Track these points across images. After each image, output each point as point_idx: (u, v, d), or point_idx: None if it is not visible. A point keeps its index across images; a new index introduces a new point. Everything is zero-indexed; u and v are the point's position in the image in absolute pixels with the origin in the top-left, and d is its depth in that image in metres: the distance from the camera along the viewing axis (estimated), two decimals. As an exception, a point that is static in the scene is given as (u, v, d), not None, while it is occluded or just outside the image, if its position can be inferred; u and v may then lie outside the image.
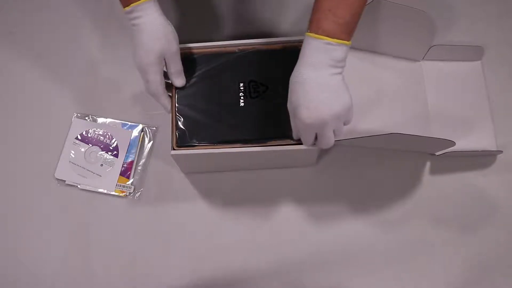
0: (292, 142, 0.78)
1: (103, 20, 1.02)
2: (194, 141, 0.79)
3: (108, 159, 0.92)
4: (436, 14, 0.83)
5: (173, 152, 0.79)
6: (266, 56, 0.83)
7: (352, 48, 0.71)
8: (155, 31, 0.75)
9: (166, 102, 0.80)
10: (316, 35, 0.67)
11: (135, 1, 0.73)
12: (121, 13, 0.75)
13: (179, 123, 0.80)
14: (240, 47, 0.84)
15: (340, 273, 0.85)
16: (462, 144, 0.87)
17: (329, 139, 0.72)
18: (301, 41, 0.82)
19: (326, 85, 0.68)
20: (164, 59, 0.77)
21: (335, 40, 0.66)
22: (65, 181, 0.91)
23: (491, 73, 0.95)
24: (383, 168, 0.91)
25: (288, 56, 0.82)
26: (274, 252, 0.87)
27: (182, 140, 0.79)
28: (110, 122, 0.94)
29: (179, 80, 0.80)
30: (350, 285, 0.85)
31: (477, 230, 0.87)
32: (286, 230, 0.88)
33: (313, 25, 0.67)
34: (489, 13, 1.01)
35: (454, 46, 0.93)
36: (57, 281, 0.86)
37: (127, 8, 0.74)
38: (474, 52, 0.94)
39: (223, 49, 0.84)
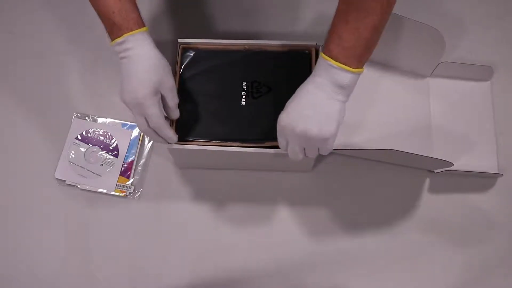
0: None
1: (103, 20, 1.02)
2: (192, 136, 0.79)
3: (108, 159, 0.92)
4: (446, 29, 0.82)
5: (169, 146, 0.79)
6: (272, 57, 0.83)
7: None
8: (151, 62, 0.70)
9: (171, 133, 0.75)
10: (323, 55, 0.66)
11: (128, 31, 0.69)
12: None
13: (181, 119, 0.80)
14: (246, 46, 0.84)
15: (340, 273, 0.85)
16: (463, 163, 0.87)
17: (294, 153, 0.72)
18: (307, 46, 0.83)
19: (318, 105, 0.67)
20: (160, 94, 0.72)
21: (338, 63, 0.65)
22: (65, 181, 0.91)
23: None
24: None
25: (293, 60, 0.82)
26: (274, 252, 0.87)
27: (180, 135, 0.79)
28: (110, 122, 0.94)
29: (175, 113, 0.76)
30: (350, 285, 0.85)
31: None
32: (286, 230, 0.88)
33: (324, 45, 0.67)
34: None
35: (463, 64, 0.91)
36: (57, 281, 0.86)
37: (119, 39, 0.69)
38: (483, 72, 0.92)
39: (230, 46, 0.84)
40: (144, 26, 0.71)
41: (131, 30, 0.69)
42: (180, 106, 0.77)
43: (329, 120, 0.68)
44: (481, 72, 0.92)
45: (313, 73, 0.69)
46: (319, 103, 0.67)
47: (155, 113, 0.71)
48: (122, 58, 0.71)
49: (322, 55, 0.67)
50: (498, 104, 0.93)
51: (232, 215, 0.89)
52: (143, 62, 0.70)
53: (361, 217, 0.88)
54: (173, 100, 0.74)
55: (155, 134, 0.74)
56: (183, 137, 0.79)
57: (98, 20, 1.00)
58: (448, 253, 0.86)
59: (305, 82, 0.69)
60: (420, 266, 0.86)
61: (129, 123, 0.94)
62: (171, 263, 0.87)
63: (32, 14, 1.03)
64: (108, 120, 0.95)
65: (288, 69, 0.81)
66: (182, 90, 0.81)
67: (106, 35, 0.99)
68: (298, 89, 0.70)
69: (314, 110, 0.67)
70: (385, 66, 0.92)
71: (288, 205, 0.89)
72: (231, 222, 0.89)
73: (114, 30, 0.69)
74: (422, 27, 0.81)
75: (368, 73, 0.66)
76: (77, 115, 0.95)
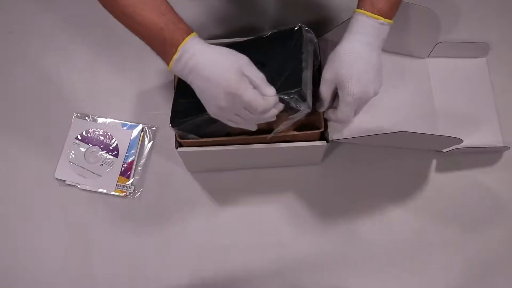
0: (288, 117, 0.75)
1: (103, 19, 1.00)
2: (189, 118, 0.76)
3: (108, 159, 0.92)
4: (441, 11, 0.83)
5: (180, 149, 0.79)
6: (263, 41, 0.82)
7: None
8: (218, 51, 0.65)
9: (271, 89, 0.67)
10: (372, 15, 0.69)
11: (180, 44, 0.63)
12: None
13: (177, 105, 0.79)
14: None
15: (340, 273, 0.85)
16: (469, 140, 0.87)
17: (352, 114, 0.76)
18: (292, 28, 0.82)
19: (373, 65, 0.72)
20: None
21: (388, 20, 0.70)
22: (65, 181, 0.91)
23: (496, 69, 0.95)
24: (389, 166, 0.91)
25: (284, 38, 0.80)
26: (274, 252, 0.87)
27: (178, 118, 0.77)
28: (110, 122, 0.94)
29: (269, 88, 0.67)
30: (350, 285, 0.85)
31: (480, 228, 0.87)
32: (287, 230, 0.88)
33: (368, 4, 0.70)
34: (495, 11, 1.01)
35: (460, 43, 0.93)
36: (57, 281, 0.86)
37: (175, 56, 0.63)
38: (479, 49, 0.94)
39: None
40: (192, 31, 0.65)
41: (183, 41, 0.63)
42: (177, 95, 0.79)
43: (380, 75, 0.74)
44: (478, 49, 0.94)
45: (359, 34, 0.71)
46: (374, 61, 0.72)
47: (253, 94, 0.65)
48: (188, 74, 0.65)
49: (369, 14, 0.69)
50: (496, 80, 0.94)
51: (232, 215, 0.89)
52: (212, 58, 0.64)
53: (364, 212, 0.88)
54: (258, 74, 0.67)
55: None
56: (180, 118, 0.77)
57: (98, 21, 1.01)
58: (448, 252, 0.86)
59: (353, 45, 0.71)
60: (420, 266, 0.86)
61: (129, 123, 0.94)
62: (171, 263, 0.87)
63: (32, 14, 1.03)
64: (108, 120, 0.95)
65: (280, 46, 0.80)
66: (180, 83, 0.80)
67: (106, 35, 1.01)
68: (346, 54, 0.72)
69: (373, 69, 0.72)
70: (382, 50, 0.93)
71: (290, 203, 0.89)
72: (231, 222, 0.88)
73: (166, 49, 0.64)
74: (417, 9, 0.82)
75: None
76: (77, 115, 0.95)
